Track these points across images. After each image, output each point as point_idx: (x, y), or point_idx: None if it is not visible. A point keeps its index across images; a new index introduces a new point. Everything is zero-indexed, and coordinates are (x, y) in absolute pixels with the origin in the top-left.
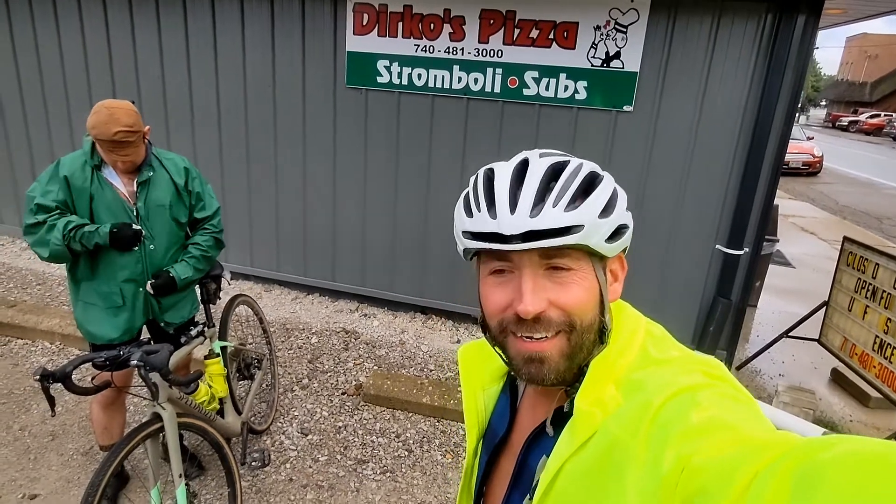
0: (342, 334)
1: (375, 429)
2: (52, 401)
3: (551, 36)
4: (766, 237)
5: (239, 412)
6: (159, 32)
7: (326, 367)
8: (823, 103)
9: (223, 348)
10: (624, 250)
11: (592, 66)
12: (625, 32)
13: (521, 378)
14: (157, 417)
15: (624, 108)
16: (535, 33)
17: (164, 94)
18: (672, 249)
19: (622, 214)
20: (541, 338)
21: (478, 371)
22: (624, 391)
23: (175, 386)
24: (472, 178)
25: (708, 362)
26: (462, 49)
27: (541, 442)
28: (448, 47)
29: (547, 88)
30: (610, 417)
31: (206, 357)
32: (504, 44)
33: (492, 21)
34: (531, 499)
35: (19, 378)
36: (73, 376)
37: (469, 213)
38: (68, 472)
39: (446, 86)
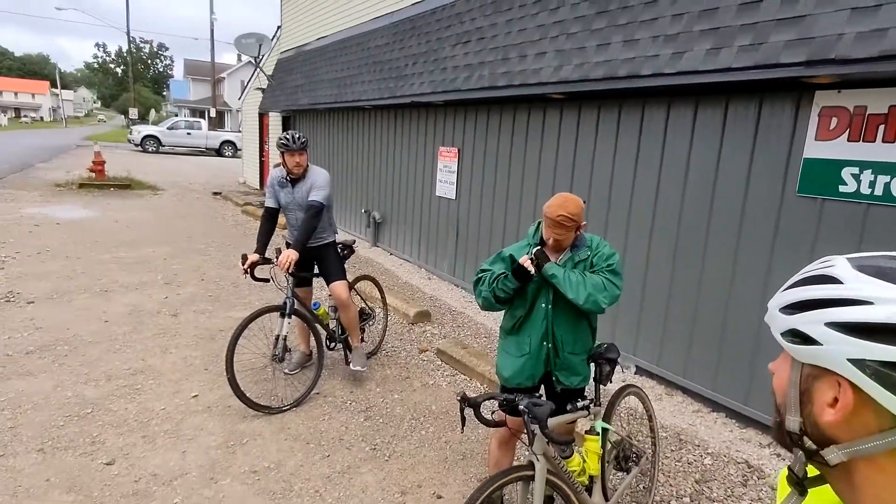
0: (743, 467)
1: None
2: (463, 420)
3: None
4: None
5: (606, 499)
6: (616, 140)
7: (715, 495)
8: None
9: (604, 429)
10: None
11: None
12: None
13: None
14: (530, 465)
15: None
16: None
17: (610, 192)
18: None
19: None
20: None
21: None
22: None
23: (550, 442)
24: None
25: None
26: None
27: None
28: None
29: None
30: None
31: (586, 432)
32: None
33: None
34: None
35: (455, 404)
36: (481, 407)
37: None
38: (465, 488)
39: None
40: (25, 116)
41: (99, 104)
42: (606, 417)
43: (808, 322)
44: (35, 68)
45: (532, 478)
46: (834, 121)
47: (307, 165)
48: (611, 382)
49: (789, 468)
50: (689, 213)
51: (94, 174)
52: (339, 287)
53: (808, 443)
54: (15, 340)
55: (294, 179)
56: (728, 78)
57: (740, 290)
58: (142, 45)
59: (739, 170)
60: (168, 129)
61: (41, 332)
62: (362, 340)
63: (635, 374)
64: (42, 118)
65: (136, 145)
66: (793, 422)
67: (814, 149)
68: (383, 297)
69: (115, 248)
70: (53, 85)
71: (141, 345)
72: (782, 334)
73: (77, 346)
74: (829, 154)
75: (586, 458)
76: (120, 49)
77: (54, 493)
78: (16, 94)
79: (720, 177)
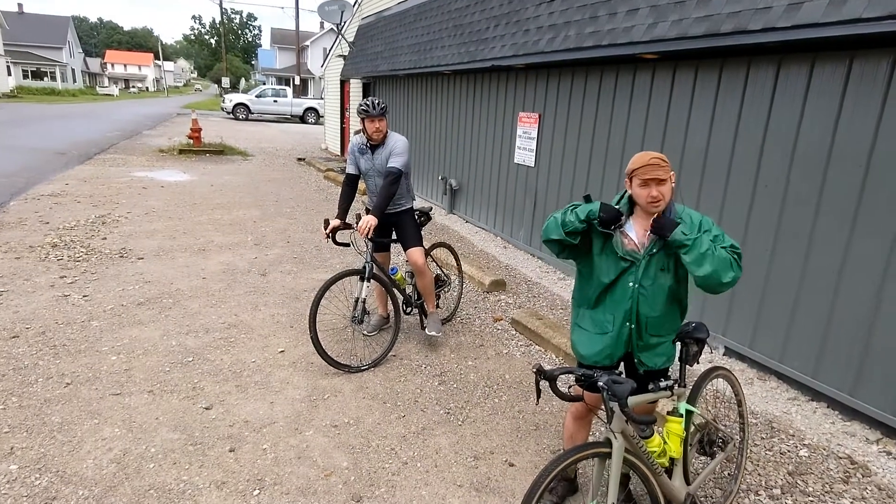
0: (845, 463)
1: None
2: (538, 392)
3: None
4: None
5: (688, 483)
6: (714, 104)
7: (811, 489)
8: None
9: (688, 412)
10: None
11: None
12: None
13: None
14: (608, 442)
15: None
16: None
17: (705, 162)
18: None
19: None
20: None
21: None
22: None
23: (629, 421)
24: None
25: None
26: None
27: None
28: None
29: None
30: None
31: (668, 412)
32: None
33: None
34: None
35: (529, 374)
36: (557, 380)
37: None
38: (538, 459)
39: None
40: (133, 87)
41: (195, 74)
42: (691, 399)
43: None
44: (140, 41)
45: (609, 455)
46: None
47: (386, 132)
48: (698, 363)
49: None
50: (796, 186)
51: (191, 141)
52: (416, 253)
53: None
54: (128, 292)
55: (373, 146)
56: (856, 31)
57: (854, 271)
58: (233, 15)
59: (861, 139)
60: (256, 97)
61: (149, 286)
62: (438, 306)
63: (724, 355)
64: (147, 88)
65: (228, 113)
66: None
67: None
68: (459, 265)
69: (211, 210)
70: (157, 57)
71: (234, 301)
72: None
73: (179, 299)
74: None
75: (668, 439)
76: (213, 20)
77: (162, 431)
78: (125, 66)
79: (836, 146)
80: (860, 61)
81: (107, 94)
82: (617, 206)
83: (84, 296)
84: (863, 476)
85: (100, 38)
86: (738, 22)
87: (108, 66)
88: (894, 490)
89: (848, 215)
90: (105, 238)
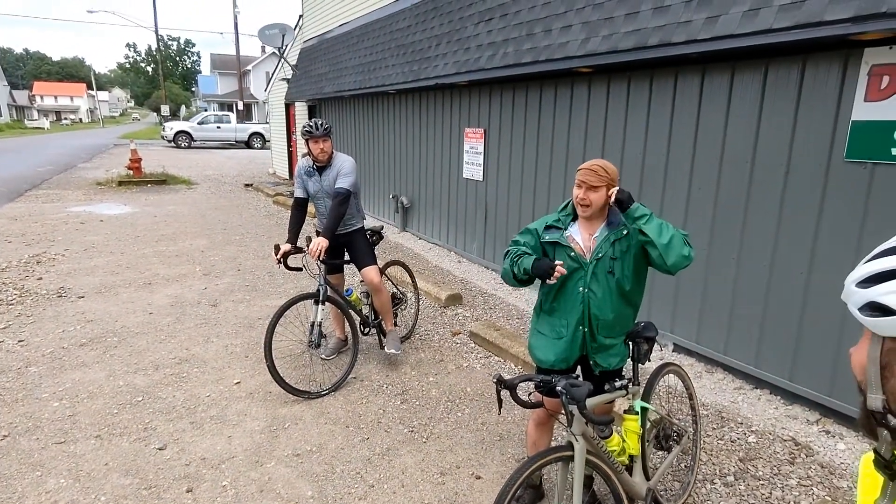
0: (790, 444)
1: None
2: (500, 402)
3: None
4: None
5: (647, 478)
6: (648, 113)
7: (761, 473)
8: None
9: (643, 409)
10: None
11: None
12: None
13: None
14: (570, 446)
15: None
16: None
17: (643, 168)
18: None
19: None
20: None
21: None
22: None
23: (589, 423)
24: None
25: None
26: None
27: None
28: None
29: None
30: None
31: (625, 411)
32: None
33: None
34: None
35: (490, 385)
36: (517, 389)
37: None
38: (504, 469)
39: None
40: (66, 119)
41: (132, 103)
42: (645, 397)
43: (887, 292)
44: (72, 71)
45: (571, 458)
46: (886, 80)
47: (332, 152)
48: (649, 361)
49: (875, 451)
50: (726, 185)
51: (131, 171)
52: (371, 272)
53: (894, 421)
54: (69, 333)
55: (321, 168)
56: (768, 40)
57: (784, 262)
58: (169, 42)
59: (781, 138)
60: (198, 123)
61: (92, 325)
62: (396, 324)
63: (673, 351)
64: (81, 119)
65: (169, 141)
66: (875, 400)
67: (863, 111)
68: (414, 282)
69: (156, 242)
70: (89, 87)
71: (184, 334)
72: (860, 309)
73: (126, 337)
74: (881, 115)
75: (626, 437)
76: (149, 48)
77: (113, 477)
78: (56, 97)
79: (760, 146)
80: (775, 68)
81: (36, 128)
82: (552, 256)
83: (19, 341)
84: (807, 456)
85: (27, 69)
86: (663, 35)
87: (37, 98)
88: (835, 467)
89: (773, 212)
90: (41, 278)
